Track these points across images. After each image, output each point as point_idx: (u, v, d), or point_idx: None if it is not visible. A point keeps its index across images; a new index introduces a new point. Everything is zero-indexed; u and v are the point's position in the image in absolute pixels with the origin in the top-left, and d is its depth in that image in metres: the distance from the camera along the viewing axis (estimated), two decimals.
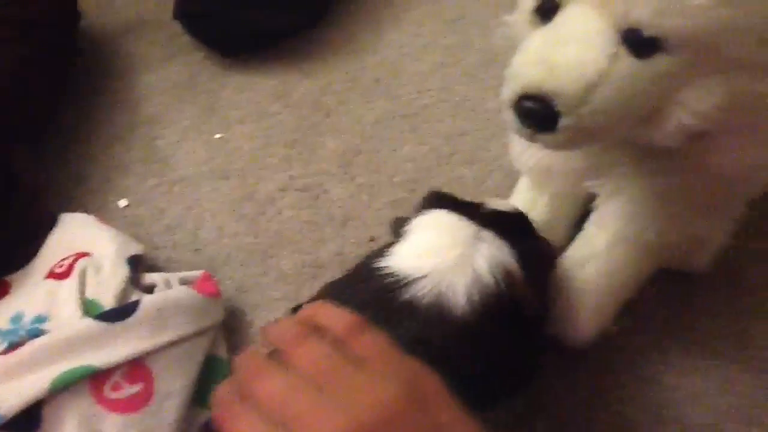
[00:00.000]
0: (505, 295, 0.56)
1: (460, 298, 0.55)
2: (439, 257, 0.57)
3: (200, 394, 0.72)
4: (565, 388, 0.71)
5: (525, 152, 0.75)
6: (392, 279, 0.56)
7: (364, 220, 0.86)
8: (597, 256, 0.69)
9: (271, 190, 0.90)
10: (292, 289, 0.81)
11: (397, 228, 0.63)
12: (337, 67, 1.00)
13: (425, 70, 0.98)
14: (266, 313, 0.80)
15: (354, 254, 0.82)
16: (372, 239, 0.84)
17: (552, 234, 0.76)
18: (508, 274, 0.57)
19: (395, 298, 0.55)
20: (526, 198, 0.79)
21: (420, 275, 0.56)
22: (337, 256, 0.83)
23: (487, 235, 0.58)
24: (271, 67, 1.02)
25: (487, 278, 0.56)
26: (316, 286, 0.78)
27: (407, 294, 0.55)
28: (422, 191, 0.85)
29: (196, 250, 0.86)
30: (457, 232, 0.59)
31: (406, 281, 0.56)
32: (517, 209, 0.66)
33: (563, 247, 0.74)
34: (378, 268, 0.58)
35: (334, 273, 0.81)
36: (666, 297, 0.76)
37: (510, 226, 0.61)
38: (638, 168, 0.64)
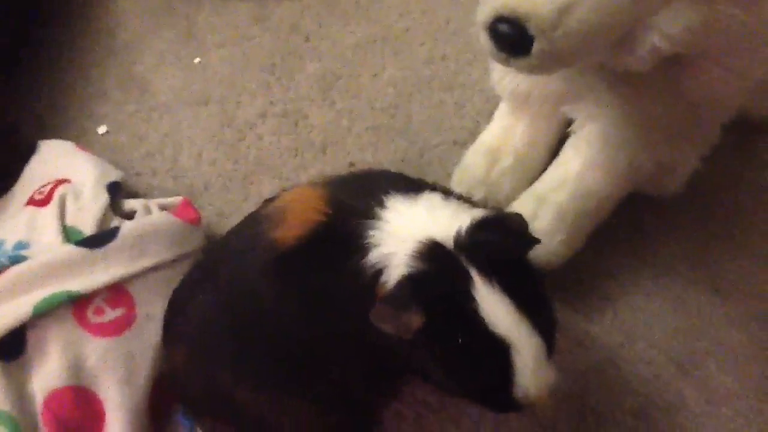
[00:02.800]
0: None
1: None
2: None
3: None
4: None
5: (505, 77, 0.75)
6: None
7: (344, 146, 0.86)
8: (570, 181, 0.70)
9: (251, 116, 0.89)
10: None
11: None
12: None
13: None
14: None
15: None
16: (352, 164, 0.84)
17: (530, 159, 0.77)
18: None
19: None
20: (505, 123, 0.79)
21: None
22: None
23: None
24: None
25: None
26: None
27: None
28: (402, 117, 0.86)
29: (176, 176, 0.86)
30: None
31: None
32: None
33: (541, 172, 0.75)
34: None
35: None
36: (636, 220, 0.77)
37: None
38: (613, 94, 0.64)
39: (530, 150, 0.77)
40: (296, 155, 0.86)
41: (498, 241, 0.51)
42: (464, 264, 0.50)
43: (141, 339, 0.69)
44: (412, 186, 0.58)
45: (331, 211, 0.55)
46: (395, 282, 0.51)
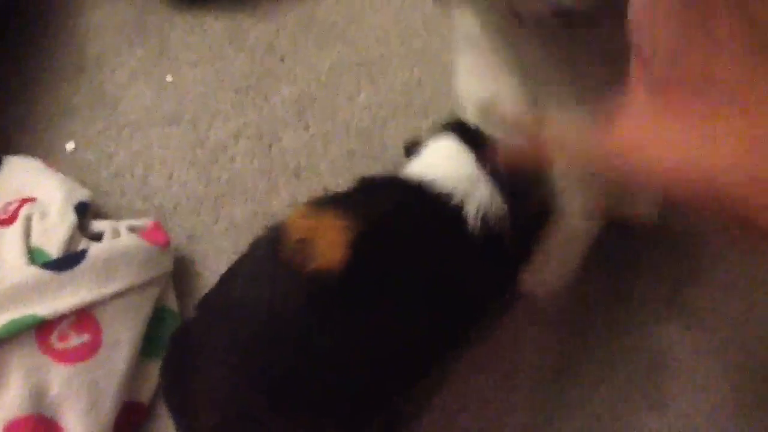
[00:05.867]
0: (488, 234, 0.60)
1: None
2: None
3: (149, 344, 0.72)
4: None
5: (470, 85, 0.74)
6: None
7: (318, 170, 0.85)
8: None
9: (223, 137, 0.88)
10: (244, 240, 0.79)
11: (409, 149, 0.68)
12: (293, 8, 0.97)
13: (383, 19, 0.96)
14: (216, 263, 0.79)
15: None
16: (326, 189, 0.83)
17: None
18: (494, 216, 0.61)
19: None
20: None
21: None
22: (289, 207, 0.82)
23: (483, 177, 0.62)
24: (222, 8, 0.98)
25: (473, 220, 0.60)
26: None
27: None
28: (377, 142, 0.85)
29: (145, 197, 0.84)
30: (458, 169, 0.62)
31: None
32: None
33: None
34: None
35: None
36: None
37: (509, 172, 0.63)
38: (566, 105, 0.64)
39: None
40: (269, 179, 0.85)
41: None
42: None
43: (106, 366, 0.67)
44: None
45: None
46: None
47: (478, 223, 0.60)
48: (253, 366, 0.55)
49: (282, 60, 0.94)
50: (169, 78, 0.94)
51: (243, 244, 0.78)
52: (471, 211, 0.60)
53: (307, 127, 0.88)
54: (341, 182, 0.83)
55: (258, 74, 0.93)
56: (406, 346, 0.59)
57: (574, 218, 0.68)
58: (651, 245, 0.78)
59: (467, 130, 0.66)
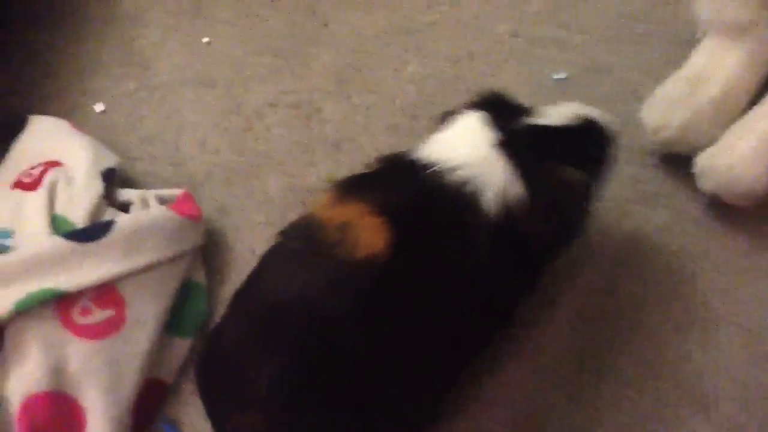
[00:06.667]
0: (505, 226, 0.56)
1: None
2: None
3: (176, 321, 0.68)
4: None
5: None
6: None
7: (359, 144, 0.80)
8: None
9: (259, 104, 0.83)
10: (277, 214, 0.76)
11: (442, 121, 0.64)
12: None
13: None
14: (248, 237, 0.75)
15: None
16: (365, 164, 0.78)
17: (740, 92, 0.75)
18: (509, 204, 0.57)
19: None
20: (713, 54, 0.76)
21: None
22: (327, 182, 0.78)
23: (501, 158, 0.57)
24: None
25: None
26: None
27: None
28: (423, 118, 0.80)
29: (176, 164, 0.80)
30: (473, 150, 0.58)
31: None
32: (579, 121, 0.62)
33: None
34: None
35: None
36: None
37: (537, 148, 0.58)
38: None
39: (741, 82, 0.74)
40: (306, 151, 0.80)
41: None
42: None
43: (129, 344, 0.64)
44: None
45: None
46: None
47: (494, 210, 0.56)
48: (300, 363, 0.52)
49: (325, 24, 0.89)
50: (205, 39, 0.89)
51: (277, 218, 0.76)
52: (488, 196, 0.56)
53: (349, 98, 0.83)
54: None
55: (298, 38, 0.88)
56: (447, 337, 0.57)
57: None
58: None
59: (495, 105, 0.62)
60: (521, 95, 0.65)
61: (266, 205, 0.77)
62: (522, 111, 0.61)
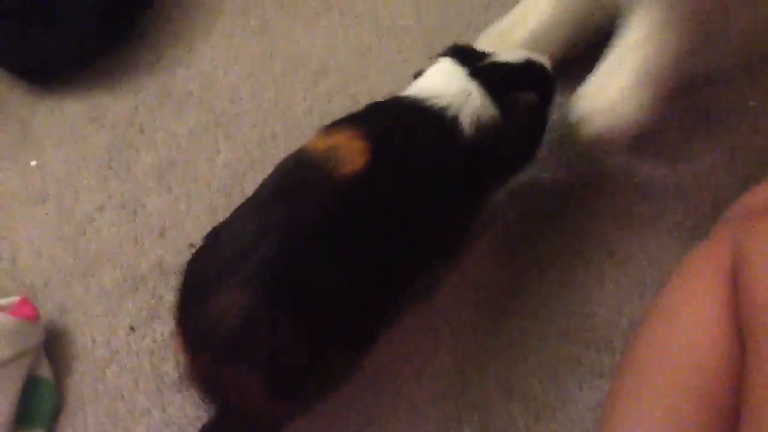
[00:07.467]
0: (479, 144, 0.69)
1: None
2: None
3: (26, 415, 0.73)
4: None
5: None
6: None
7: (182, 228, 0.89)
8: (642, 42, 0.75)
9: (89, 211, 0.91)
10: (114, 303, 0.83)
11: (416, 76, 0.76)
12: (149, 83, 1.02)
13: (235, 79, 1.02)
14: (88, 330, 0.81)
15: (174, 262, 0.85)
16: (192, 245, 0.86)
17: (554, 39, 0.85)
18: (483, 125, 0.69)
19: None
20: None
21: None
22: (157, 267, 0.86)
23: (475, 88, 0.70)
24: (82, 89, 1.02)
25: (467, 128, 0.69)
26: (138, 298, 0.82)
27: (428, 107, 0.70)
28: (238, 195, 0.90)
29: (15, 277, 0.86)
30: (450, 83, 0.71)
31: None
32: (527, 60, 0.75)
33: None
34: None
35: (156, 283, 0.84)
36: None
37: (503, 79, 0.72)
38: None
39: (553, 29, 0.85)
40: (136, 243, 0.88)
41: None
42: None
43: None
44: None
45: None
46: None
47: (472, 130, 0.69)
48: (289, 248, 0.62)
49: (142, 131, 0.98)
50: (33, 162, 0.97)
51: (113, 308, 0.82)
52: (465, 119, 0.69)
53: (169, 190, 0.92)
54: None
55: (119, 147, 0.97)
56: (415, 247, 0.69)
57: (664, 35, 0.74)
58: None
59: (461, 52, 0.75)
60: None
61: (103, 298, 0.84)
62: (483, 54, 0.74)
